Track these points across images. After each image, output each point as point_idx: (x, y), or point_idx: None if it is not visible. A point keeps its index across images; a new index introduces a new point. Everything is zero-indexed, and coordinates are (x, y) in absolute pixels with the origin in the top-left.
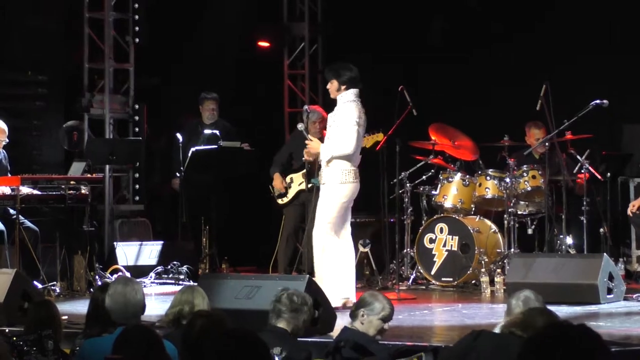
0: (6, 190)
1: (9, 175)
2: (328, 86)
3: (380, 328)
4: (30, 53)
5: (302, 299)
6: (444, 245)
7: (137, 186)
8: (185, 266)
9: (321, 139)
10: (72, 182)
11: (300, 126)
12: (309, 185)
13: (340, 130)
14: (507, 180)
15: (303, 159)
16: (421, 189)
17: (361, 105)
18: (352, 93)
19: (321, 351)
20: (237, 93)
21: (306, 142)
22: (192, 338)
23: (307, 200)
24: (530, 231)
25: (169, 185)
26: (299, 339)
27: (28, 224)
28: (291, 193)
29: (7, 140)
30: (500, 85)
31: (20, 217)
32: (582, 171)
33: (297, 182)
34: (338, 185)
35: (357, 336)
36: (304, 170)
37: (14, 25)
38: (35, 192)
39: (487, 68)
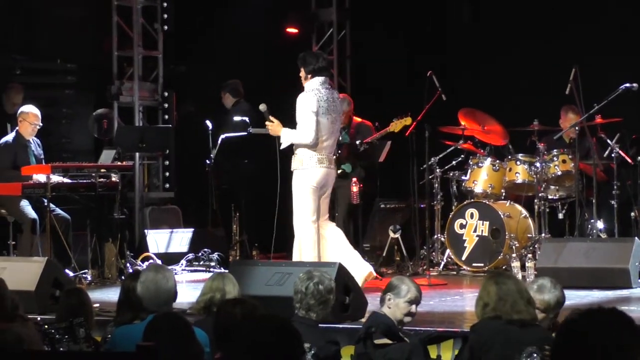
0: (41, 177)
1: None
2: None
3: (407, 311)
4: (60, 42)
5: (328, 288)
6: (475, 231)
7: (167, 173)
8: (216, 253)
9: (350, 126)
10: (102, 170)
11: (262, 107)
12: (339, 171)
13: (299, 119)
14: (537, 164)
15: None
16: (451, 174)
17: (326, 92)
18: (316, 81)
19: (352, 338)
20: (264, 80)
21: (266, 123)
22: (224, 325)
23: (337, 186)
24: (560, 216)
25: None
26: (328, 325)
27: (59, 212)
28: None
29: (41, 124)
30: (529, 69)
31: (52, 205)
32: (613, 155)
33: None
34: (302, 171)
35: (386, 321)
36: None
37: (43, 15)
38: (66, 180)
39: (517, 51)
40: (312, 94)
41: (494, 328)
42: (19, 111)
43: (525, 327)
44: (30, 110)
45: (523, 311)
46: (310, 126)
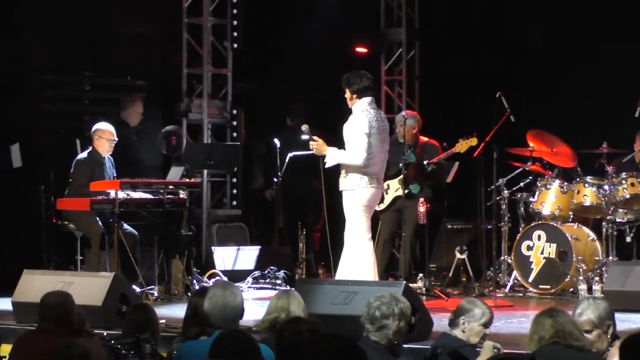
0: (112, 193)
1: None
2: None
3: (483, 334)
4: (129, 58)
5: (389, 310)
6: (542, 253)
7: (235, 191)
8: (282, 271)
9: (416, 146)
10: (170, 187)
11: (304, 127)
12: (406, 192)
13: (350, 139)
14: (606, 187)
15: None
16: (519, 195)
17: (375, 112)
18: (364, 102)
19: (417, 357)
20: (333, 99)
21: (311, 143)
22: (288, 344)
23: (404, 206)
24: (628, 239)
25: (266, 192)
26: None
27: (127, 227)
28: (388, 199)
29: (117, 139)
30: (598, 90)
31: (120, 221)
32: None
33: (394, 188)
34: (353, 192)
35: (457, 343)
36: (401, 177)
37: (112, 31)
38: (134, 196)
39: (586, 73)
40: (363, 115)
41: (556, 351)
42: (94, 128)
43: (584, 352)
44: (107, 127)
45: (580, 339)
46: (361, 147)
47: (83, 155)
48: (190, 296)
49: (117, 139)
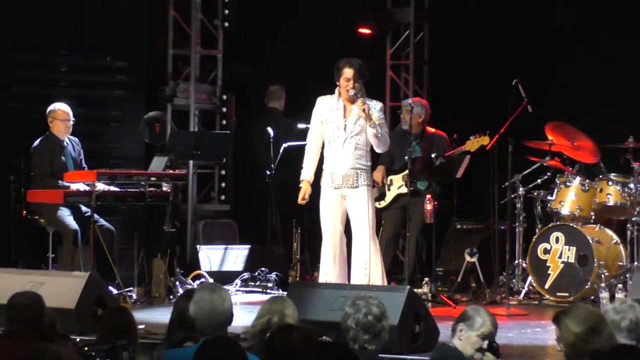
0: (81, 186)
1: (85, 168)
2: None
3: (479, 346)
4: (110, 37)
5: (378, 314)
6: (560, 257)
7: (224, 184)
8: (274, 273)
9: (423, 137)
10: (152, 179)
11: (351, 92)
12: (411, 189)
13: (383, 123)
14: (632, 186)
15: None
16: (535, 193)
17: None
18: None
19: None
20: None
21: (358, 102)
22: (278, 352)
23: (410, 203)
24: None
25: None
26: (394, 356)
27: (104, 223)
28: (390, 196)
29: (74, 120)
30: (625, 79)
31: (95, 215)
32: None
33: (397, 184)
34: (370, 189)
35: (455, 354)
36: (406, 172)
37: (92, 8)
38: (113, 188)
39: (612, 60)
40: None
41: None
42: (47, 110)
43: None
44: (60, 107)
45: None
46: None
47: (38, 141)
48: (177, 298)
49: (73, 119)
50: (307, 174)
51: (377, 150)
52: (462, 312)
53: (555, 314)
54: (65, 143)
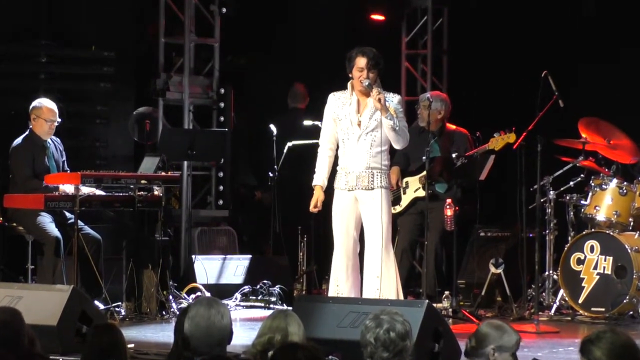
0: (67, 188)
1: (67, 170)
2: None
3: None
4: (95, 25)
5: (402, 333)
6: (595, 268)
7: (222, 187)
8: (277, 286)
9: (442, 135)
10: (142, 181)
11: (365, 82)
12: (430, 192)
13: (402, 116)
14: None
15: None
16: (567, 197)
17: None
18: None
19: None
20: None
21: (373, 92)
22: None
23: (429, 208)
24: None
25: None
26: None
27: (89, 231)
28: (406, 200)
29: (60, 120)
30: None
31: (80, 222)
32: None
33: (413, 187)
34: (387, 191)
35: None
36: (423, 173)
37: None
38: (99, 192)
39: None
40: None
41: None
42: (31, 106)
43: None
44: (44, 104)
45: None
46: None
47: (19, 140)
48: (178, 315)
49: (59, 119)
50: (319, 179)
51: (396, 145)
52: (483, 334)
53: (581, 341)
54: (47, 143)
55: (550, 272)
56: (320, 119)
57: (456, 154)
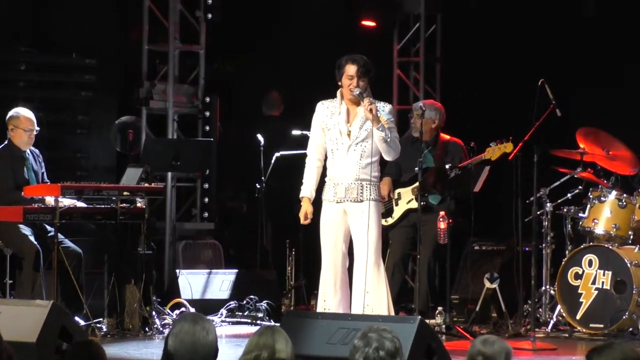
0: (49, 200)
1: (47, 181)
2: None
3: None
4: (76, 31)
5: (391, 350)
6: (594, 282)
7: (207, 199)
8: (264, 301)
9: (436, 145)
10: (125, 193)
11: (356, 91)
12: (422, 203)
13: (393, 126)
14: None
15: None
16: (565, 210)
17: None
18: None
19: None
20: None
21: (364, 102)
22: None
23: (422, 221)
24: None
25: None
26: None
27: (69, 244)
28: (398, 212)
29: (38, 129)
30: None
31: (60, 235)
32: None
33: (406, 199)
34: (377, 204)
35: None
36: (416, 184)
37: None
38: (80, 204)
39: None
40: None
41: None
42: (8, 115)
43: None
44: (22, 113)
45: None
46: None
47: None
48: (168, 334)
49: (37, 128)
50: (307, 190)
51: (387, 157)
52: (478, 351)
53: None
54: (26, 154)
55: (547, 287)
56: (308, 128)
57: (450, 164)
